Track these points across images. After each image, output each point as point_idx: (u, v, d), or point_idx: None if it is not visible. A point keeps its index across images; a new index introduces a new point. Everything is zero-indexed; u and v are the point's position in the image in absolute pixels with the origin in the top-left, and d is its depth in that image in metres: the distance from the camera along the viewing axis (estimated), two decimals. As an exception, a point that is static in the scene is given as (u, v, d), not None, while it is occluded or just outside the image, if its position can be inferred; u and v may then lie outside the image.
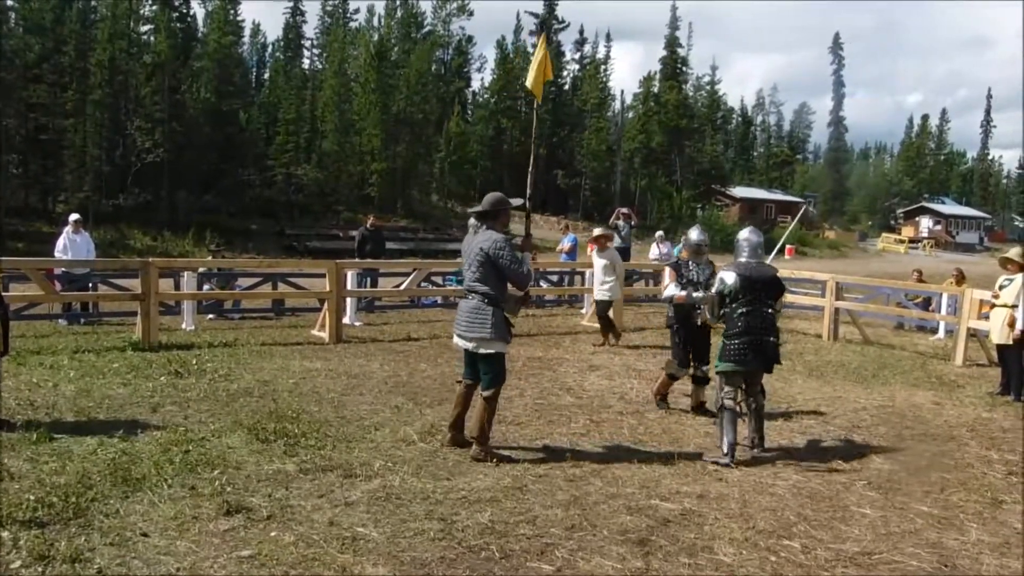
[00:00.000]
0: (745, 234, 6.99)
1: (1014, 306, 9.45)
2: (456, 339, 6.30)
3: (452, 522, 4.85)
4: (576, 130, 61.49)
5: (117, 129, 40.80)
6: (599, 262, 12.23)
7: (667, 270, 8.34)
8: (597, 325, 14.05)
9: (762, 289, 6.59)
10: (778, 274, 6.91)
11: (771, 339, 6.56)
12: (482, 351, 6.10)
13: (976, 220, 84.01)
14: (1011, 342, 9.44)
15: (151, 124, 39.94)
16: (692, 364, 8.03)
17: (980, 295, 11.83)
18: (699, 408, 7.98)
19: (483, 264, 6.06)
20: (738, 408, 6.53)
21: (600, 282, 12.17)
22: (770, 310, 6.61)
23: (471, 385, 6.34)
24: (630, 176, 62.17)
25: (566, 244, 19.47)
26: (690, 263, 8.10)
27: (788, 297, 16.17)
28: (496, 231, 6.14)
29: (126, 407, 7.31)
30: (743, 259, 6.79)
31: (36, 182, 38.36)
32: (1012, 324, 9.41)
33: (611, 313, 12.29)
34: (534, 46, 63.40)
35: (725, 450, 6.31)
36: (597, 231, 13.13)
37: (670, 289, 8.00)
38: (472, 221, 6.41)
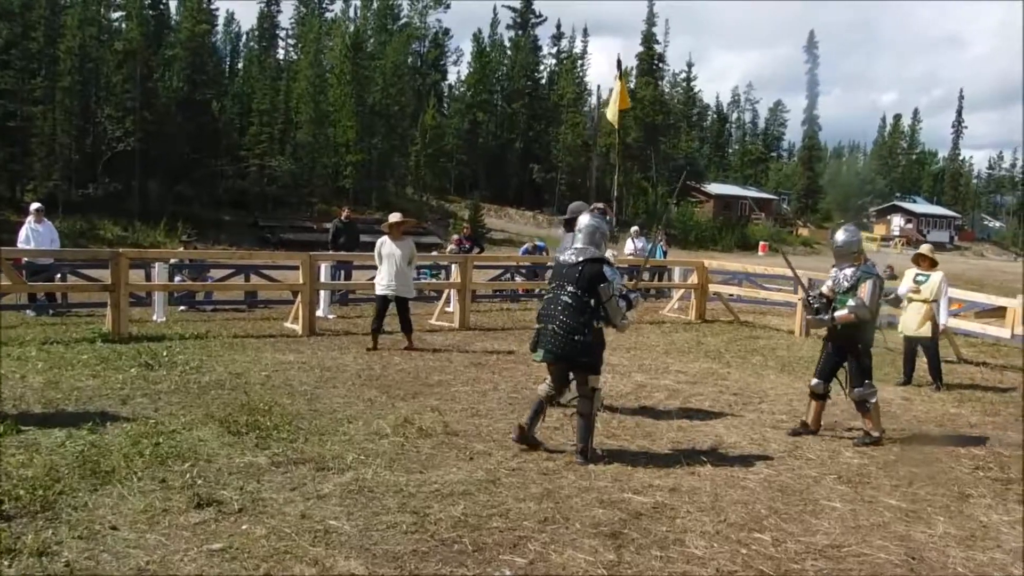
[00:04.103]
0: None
1: (934, 301, 9.89)
2: None
3: (425, 515, 4.84)
4: (552, 125, 61.48)
5: (87, 117, 40.30)
6: (396, 252, 10.45)
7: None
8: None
9: (565, 276, 6.22)
10: (597, 261, 6.16)
11: (553, 327, 6.06)
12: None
13: (946, 219, 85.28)
14: (929, 335, 9.83)
15: (122, 113, 39.50)
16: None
17: (954, 294, 12.10)
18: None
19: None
20: (546, 396, 6.34)
21: (404, 274, 10.51)
22: (566, 297, 6.08)
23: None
24: (606, 171, 62.29)
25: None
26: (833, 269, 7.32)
27: (761, 293, 16.49)
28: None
29: (95, 399, 7.22)
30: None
31: (4, 170, 37.73)
32: (931, 318, 9.82)
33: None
34: (511, 40, 63.82)
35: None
36: (394, 217, 10.97)
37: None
38: (562, 230, 7.16)
